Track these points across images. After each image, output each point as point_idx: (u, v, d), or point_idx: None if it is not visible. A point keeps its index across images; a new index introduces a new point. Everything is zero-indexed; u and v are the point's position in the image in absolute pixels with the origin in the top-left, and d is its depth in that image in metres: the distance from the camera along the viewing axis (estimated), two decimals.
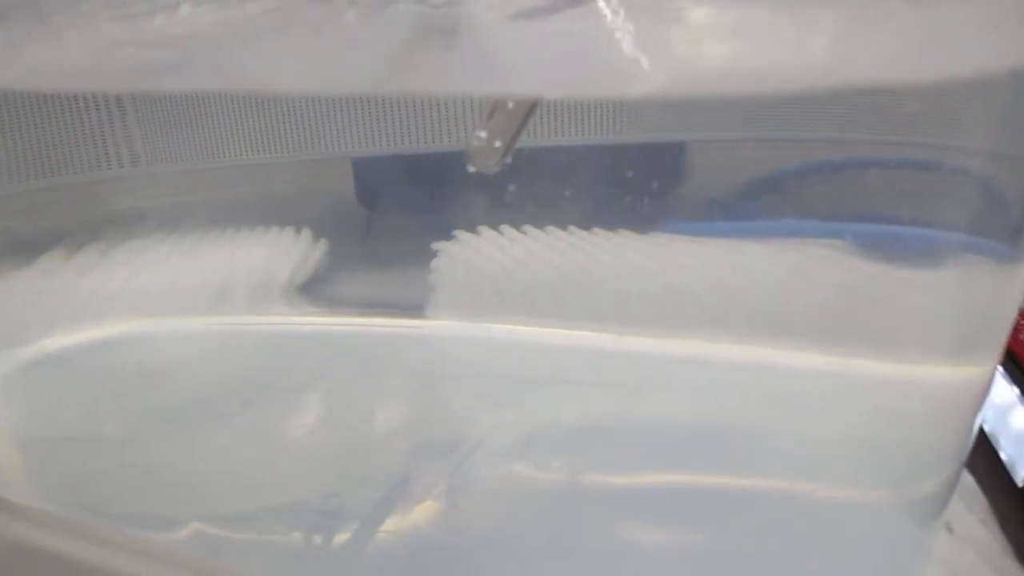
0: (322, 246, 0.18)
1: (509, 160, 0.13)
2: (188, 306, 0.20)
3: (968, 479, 0.18)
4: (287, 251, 0.19)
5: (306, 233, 0.18)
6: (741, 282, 0.15)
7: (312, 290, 0.19)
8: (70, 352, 0.20)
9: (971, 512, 0.17)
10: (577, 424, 0.16)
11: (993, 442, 0.18)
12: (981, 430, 0.18)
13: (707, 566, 0.14)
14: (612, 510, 0.15)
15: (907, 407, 0.13)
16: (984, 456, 0.18)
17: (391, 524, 0.15)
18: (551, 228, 0.17)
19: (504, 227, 0.17)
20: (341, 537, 0.16)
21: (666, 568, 0.14)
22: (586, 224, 0.16)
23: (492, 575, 0.14)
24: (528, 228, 0.17)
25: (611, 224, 0.15)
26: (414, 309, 0.18)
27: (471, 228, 0.17)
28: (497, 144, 0.13)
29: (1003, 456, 0.17)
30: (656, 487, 0.15)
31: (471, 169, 0.14)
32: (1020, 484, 0.16)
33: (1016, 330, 0.20)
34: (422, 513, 0.15)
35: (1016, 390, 0.18)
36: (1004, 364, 0.19)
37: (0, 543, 0.19)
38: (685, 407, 0.15)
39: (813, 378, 0.14)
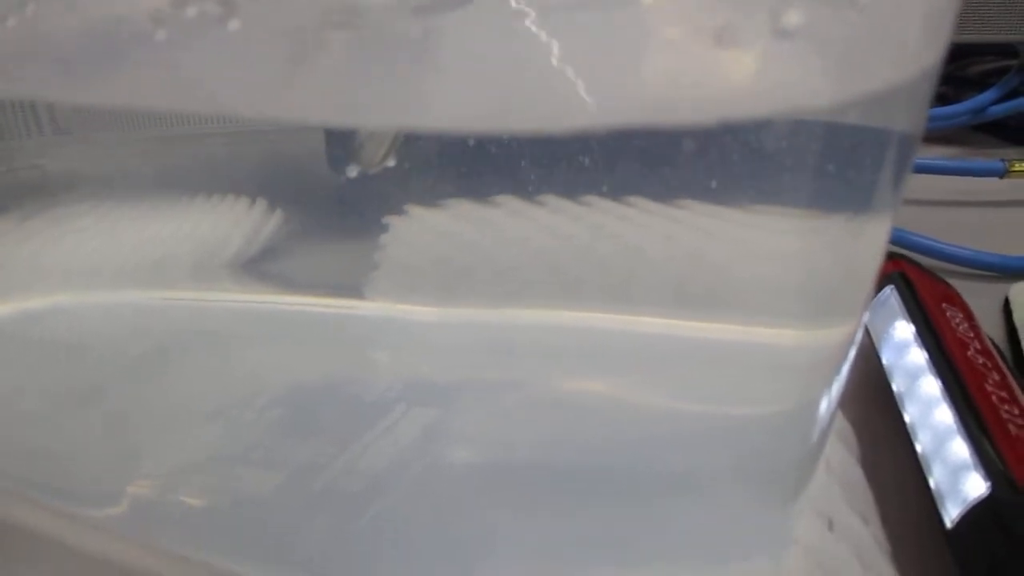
0: (277, 218, 0.18)
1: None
2: (124, 279, 0.19)
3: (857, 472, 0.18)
4: (236, 223, 0.18)
5: (261, 204, 0.18)
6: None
7: (260, 266, 0.18)
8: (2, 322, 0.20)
9: (852, 508, 0.17)
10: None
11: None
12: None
13: (558, 548, 0.14)
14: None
15: (752, 375, 0.13)
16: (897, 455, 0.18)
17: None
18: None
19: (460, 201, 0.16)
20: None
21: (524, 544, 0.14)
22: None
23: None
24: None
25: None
26: (355, 288, 0.17)
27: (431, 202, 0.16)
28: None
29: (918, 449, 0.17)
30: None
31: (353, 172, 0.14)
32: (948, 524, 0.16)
33: (962, 344, 0.20)
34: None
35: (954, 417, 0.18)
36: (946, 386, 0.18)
37: None
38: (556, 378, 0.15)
39: (655, 343, 0.14)
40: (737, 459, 0.13)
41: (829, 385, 0.14)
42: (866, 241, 0.13)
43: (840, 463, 0.19)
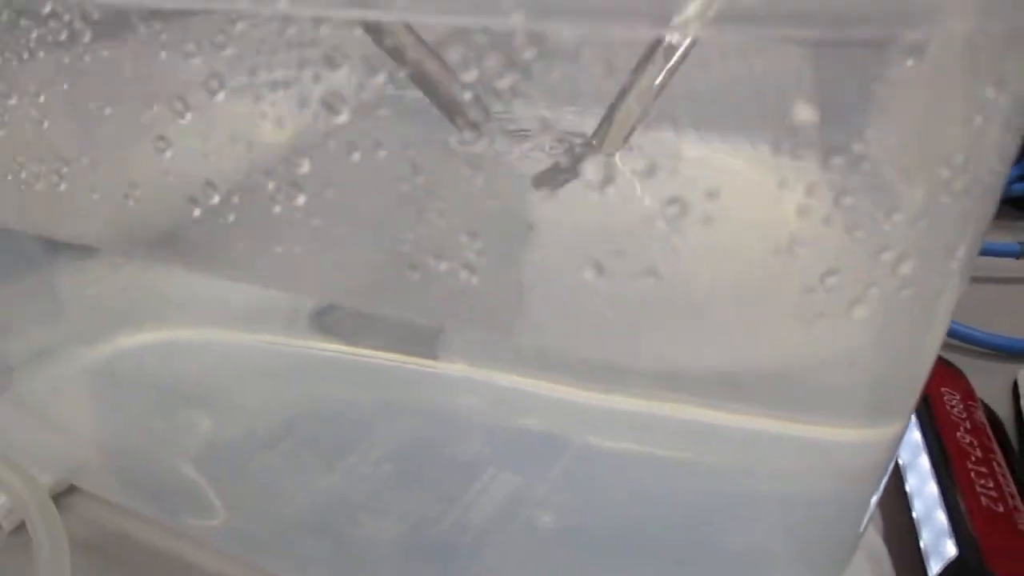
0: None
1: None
2: (232, 319, 0.21)
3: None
4: None
5: None
6: None
7: (343, 323, 0.19)
8: (134, 353, 0.22)
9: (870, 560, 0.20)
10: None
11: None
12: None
13: None
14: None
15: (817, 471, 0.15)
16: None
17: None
18: None
19: None
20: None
21: None
22: None
23: None
24: None
25: None
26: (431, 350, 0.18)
27: None
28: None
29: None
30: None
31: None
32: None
33: (953, 426, 0.23)
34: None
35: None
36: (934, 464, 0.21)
37: (88, 532, 0.23)
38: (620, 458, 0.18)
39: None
40: (791, 543, 0.15)
41: (883, 479, 0.16)
42: (929, 345, 0.14)
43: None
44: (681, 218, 0.10)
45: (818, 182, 0.10)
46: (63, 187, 0.17)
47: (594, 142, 0.13)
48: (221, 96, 0.14)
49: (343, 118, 0.12)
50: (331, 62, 0.12)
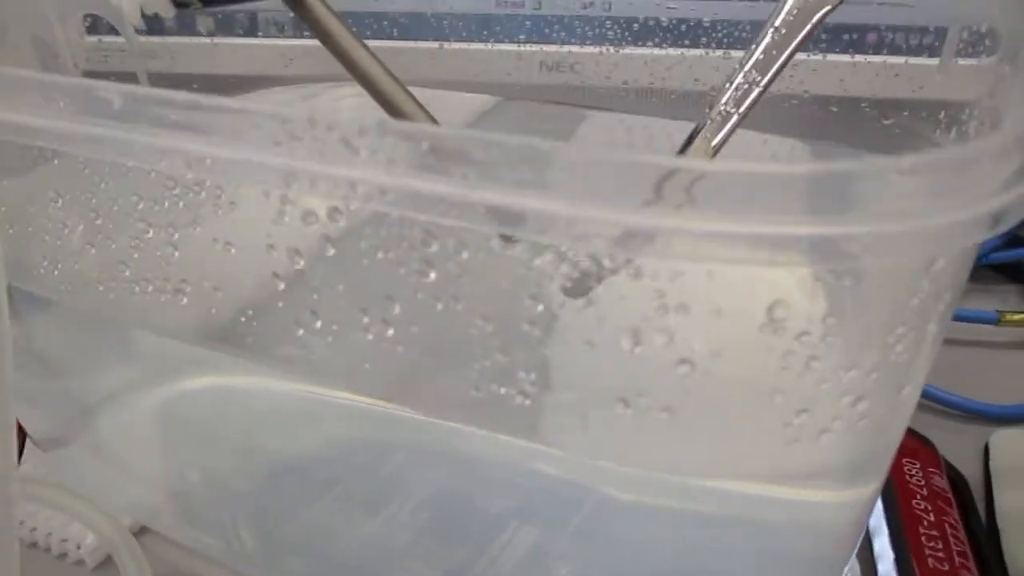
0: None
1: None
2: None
3: None
4: None
5: None
6: None
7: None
8: (195, 395, 0.25)
9: None
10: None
11: None
12: None
13: None
14: None
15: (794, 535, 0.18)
16: None
17: None
18: None
19: None
20: None
21: None
22: None
23: None
24: None
25: None
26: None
27: None
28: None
29: None
30: None
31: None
32: None
33: (910, 494, 0.26)
34: None
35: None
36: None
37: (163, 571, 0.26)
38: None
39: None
40: None
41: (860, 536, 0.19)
42: (905, 408, 0.16)
43: None
44: (691, 375, 0.13)
45: (793, 350, 0.13)
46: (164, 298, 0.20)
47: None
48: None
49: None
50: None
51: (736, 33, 0.32)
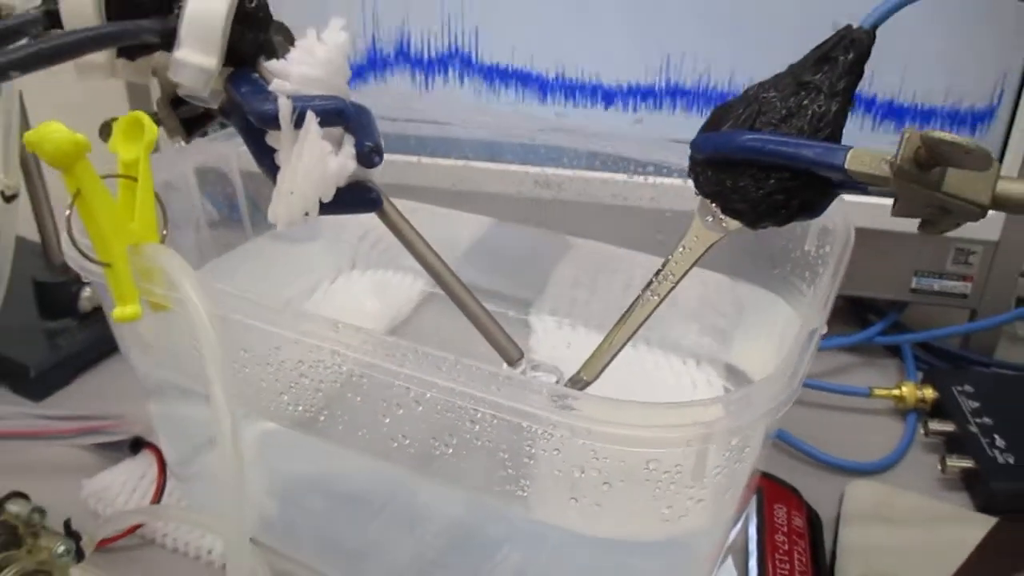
0: None
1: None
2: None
3: None
4: None
5: None
6: None
7: None
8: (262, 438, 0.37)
9: None
10: None
11: None
12: None
13: None
14: None
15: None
16: None
17: None
18: None
19: None
20: None
21: None
22: None
23: None
24: None
25: None
26: None
27: None
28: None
29: None
30: None
31: None
32: None
33: (774, 529, 0.39)
34: None
35: None
36: None
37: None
38: None
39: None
40: None
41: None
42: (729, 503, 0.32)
43: None
44: (610, 490, 0.26)
45: (661, 479, 0.26)
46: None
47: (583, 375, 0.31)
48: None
49: None
50: None
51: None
